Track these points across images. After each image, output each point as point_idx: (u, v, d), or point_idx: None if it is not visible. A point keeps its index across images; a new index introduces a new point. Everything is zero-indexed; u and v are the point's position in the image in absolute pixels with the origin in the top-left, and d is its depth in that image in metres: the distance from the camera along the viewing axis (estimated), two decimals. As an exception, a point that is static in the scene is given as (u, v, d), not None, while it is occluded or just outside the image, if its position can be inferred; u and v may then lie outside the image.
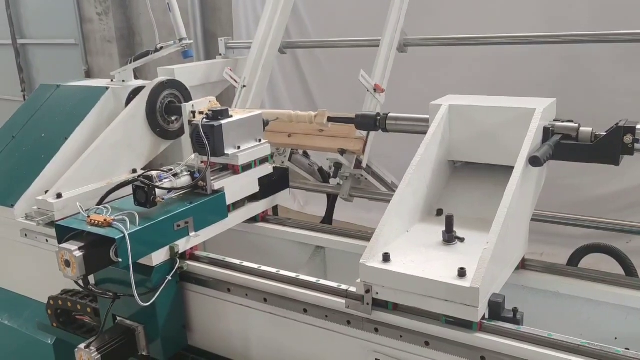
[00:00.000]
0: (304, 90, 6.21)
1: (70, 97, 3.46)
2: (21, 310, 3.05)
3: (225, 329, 2.37)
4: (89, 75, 8.20)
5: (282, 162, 3.50)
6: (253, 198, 2.71)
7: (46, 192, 2.92)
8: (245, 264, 2.29)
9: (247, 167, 2.59)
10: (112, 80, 3.49)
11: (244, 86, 3.57)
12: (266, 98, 5.23)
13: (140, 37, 7.74)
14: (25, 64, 9.19)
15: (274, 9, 3.68)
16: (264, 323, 2.23)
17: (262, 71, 3.63)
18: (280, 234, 2.78)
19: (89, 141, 3.11)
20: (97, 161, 3.00)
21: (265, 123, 2.74)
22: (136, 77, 3.56)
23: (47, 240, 2.79)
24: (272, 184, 2.78)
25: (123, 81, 3.44)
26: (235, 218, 2.64)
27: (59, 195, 2.84)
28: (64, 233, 2.10)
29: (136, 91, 3.34)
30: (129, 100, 3.33)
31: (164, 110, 3.25)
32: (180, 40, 3.42)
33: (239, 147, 2.56)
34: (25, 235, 2.90)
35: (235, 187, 2.55)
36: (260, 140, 2.67)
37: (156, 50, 3.42)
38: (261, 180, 2.70)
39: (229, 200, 2.52)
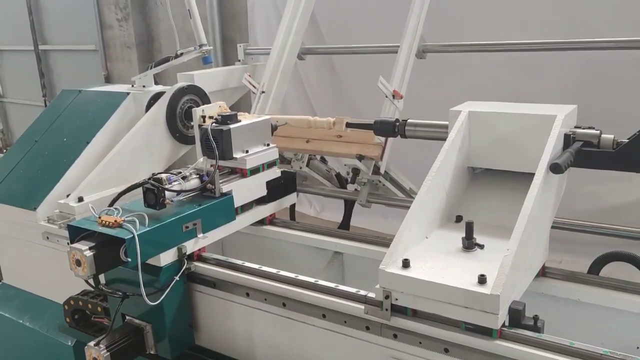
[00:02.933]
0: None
1: (91, 102, 3.52)
2: (42, 312, 3.09)
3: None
4: (108, 80, 8.31)
5: (300, 168, 3.50)
6: (261, 201, 2.75)
7: (68, 195, 2.97)
8: (264, 268, 2.29)
9: (255, 170, 2.63)
10: (132, 86, 3.54)
11: (263, 92, 3.59)
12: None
13: (159, 43, 7.82)
14: (46, 69, 9.33)
15: (292, 15, 3.70)
16: (280, 327, 2.24)
17: (280, 77, 3.65)
18: (298, 239, 2.79)
19: (110, 146, 3.16)
20: (118, 165, 3.05)
21: (274, 128, 2.77)
22: (156, 83, 3.60)
23: (68, 243, 2.82)
24: (279, 188, 2.81)
25: (143, 86, 3.49)
26: (243, 220, 2.67)
27: (81, 199, 2.89)
28: (76, 233, 2.15)
29: (156, 96, 3.38)
30: (149, 105, 3.38)
31: (183, 115, 3.29)
32: (201, 46, 3.46)
33: (247, 151, 2.60)
34: (47, 238, 2.94)
35: (243, 190, 2.59)
36: (268, 145, 2.71)
37: (176, 56, 3.47)
38: (269, 184, 2.73)
39: (237, 203, 2.56)
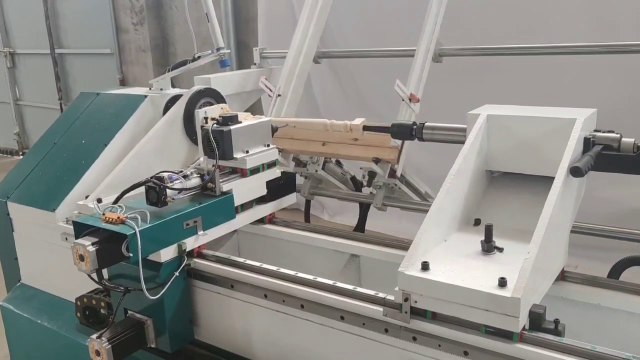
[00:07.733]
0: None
1: (109, 104, 3.54)
2: (60, 312, 3.11)
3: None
4: (123, 83, 8.39)
5: (316, 171, 3.52)
6: (261, 200, 2.80)
7: (86, 197, 2.99)
8: (282, 270, 2.30)
9: (255, 170, 2.68)
10: (150, 89, 3.56)
11: (279, 95, 3.60)
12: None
13: (174, 47, 7.88)
14: (62, 72, 9.44)
15: (309, 18, 3.71)
16: (296, 328, 2.24)
17: (296, 80, 3.66)
18: (315, 241, 2.79)
19: (127, 148, 3.18)
20: (136, 167, 3.06)
21: (274, 129, 2.82)
22: (173, 86, 3.63)
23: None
24: (279, 188, 2.87)
25: (161, 89, 3.50)
26: (243, 219, 2.73)
27: (99, 200, 2.90)
28: (81, 229, 2.20)
29: (174, 99, 3.40)
30: (166, 108, 3.40)
31: (200, 118, 3.30)
32: (218, 49, 3.48)
33: (247, 152, 2.65)
34: (66, 238, 2.96)
35: (243, 189, 2.64)
36: (268, 145, 2.76)
37: (194, 60, 3.49)
38: (269, 184, 2.79)
39: (237, 202, 2.61)
